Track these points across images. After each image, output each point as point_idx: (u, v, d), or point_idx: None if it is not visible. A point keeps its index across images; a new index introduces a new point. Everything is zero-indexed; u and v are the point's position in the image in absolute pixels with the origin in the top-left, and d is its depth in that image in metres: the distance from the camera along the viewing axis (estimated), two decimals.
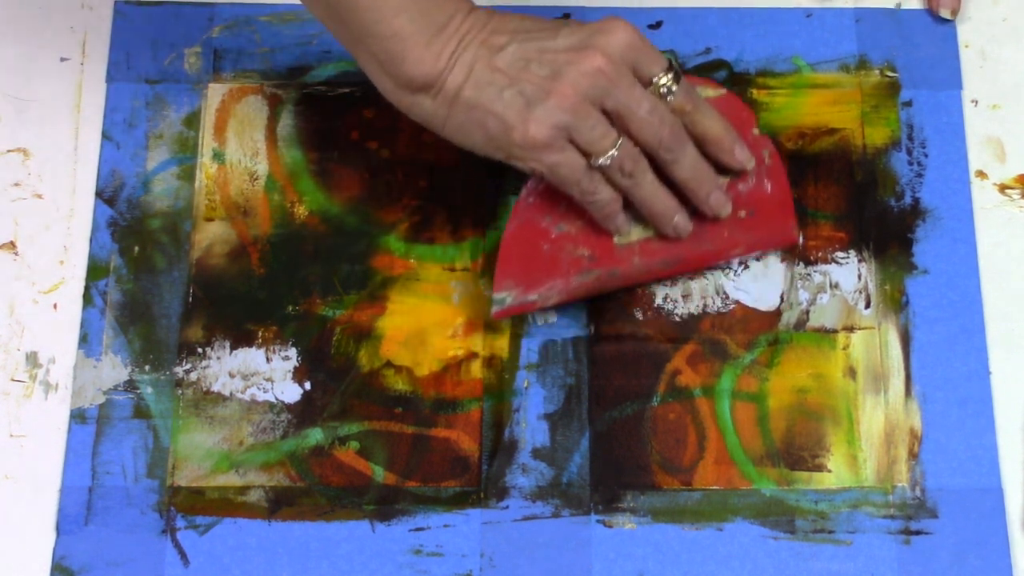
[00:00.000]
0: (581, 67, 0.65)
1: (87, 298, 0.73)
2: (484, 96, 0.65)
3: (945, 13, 0.78)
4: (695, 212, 0.71)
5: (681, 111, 0.68)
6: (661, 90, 0.67)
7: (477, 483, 0.70)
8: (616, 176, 0.68)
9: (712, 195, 0.70)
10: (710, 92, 0.73)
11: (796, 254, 0.74)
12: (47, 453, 0.70)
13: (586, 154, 0.67)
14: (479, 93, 0.65)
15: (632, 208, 0.71)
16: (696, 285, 0.74)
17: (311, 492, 0.70)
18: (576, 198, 0.69)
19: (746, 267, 0.74)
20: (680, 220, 0.70)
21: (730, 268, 0.74)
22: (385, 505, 0.70)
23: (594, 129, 0.66)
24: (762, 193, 0.72)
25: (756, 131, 0.73)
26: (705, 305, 0.73)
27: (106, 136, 0.76)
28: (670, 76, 0.67)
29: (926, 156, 0.76)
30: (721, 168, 0.71)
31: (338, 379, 0.72)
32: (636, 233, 0.72)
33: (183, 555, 0.69)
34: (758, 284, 0.74)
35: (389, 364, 0.72)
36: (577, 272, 0.71)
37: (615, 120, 0.67)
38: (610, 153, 0.67)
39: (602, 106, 0.66)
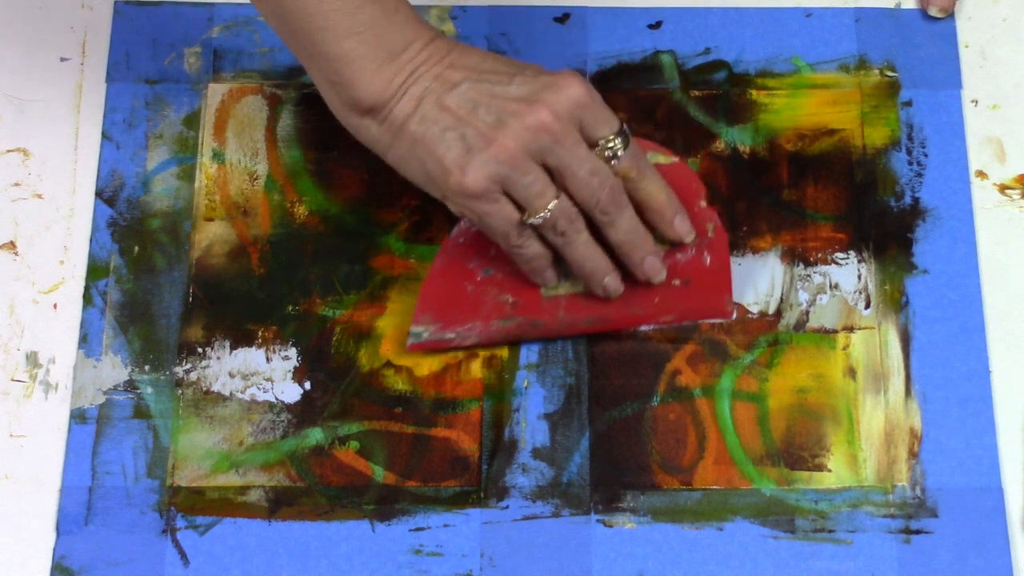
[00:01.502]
0: (526, 120, 0.64)
1: (87, 298, 0.73)
2: (427, 133, 0.64)
3: (935, 12, 0.78)
4: (628, 274, 0.70)
5: (625, 176, 0.67)
6: (607, 152, 0.66)
7: (477, 483, 0.70)
8: (548, 233, 0.67)
9: (647, 260, 0.69)
10: (660, 159, 0.71)
11: (796, 255, 0.74)
12: (47, 453, 0.70)
13: (521, 209, 0.66)
14: (423, 129, 0.65)
15: (563, 261, 0.69)
16: None
17: (311, 492, 0.70)
18: (503, 248, 0.68)
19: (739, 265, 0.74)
20: (611, 281, 0.69)
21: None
22: (385, 505, 0.70)
23: (531, 186, 0.65)
24: (700, 265, 0.71)
25: (703, 203, 0.71)
26: None
27: (106, 136, 0.76)
28: (619, 140, 0.66)
29: (926, 156, 0.76)
30: (660, 237, 0.70)
31: (338, 379, 0.72)
32: (564, 288, 0.71)
33: (183, 555, 0.69)
34: (758, 285, 0.74)
35: (389, 364, 0.72)
36: (498, 317, 0.71)
37: (555, 177, 0.66)
38: (544, 212, 0.66)
39: (543, 162, 0.65)
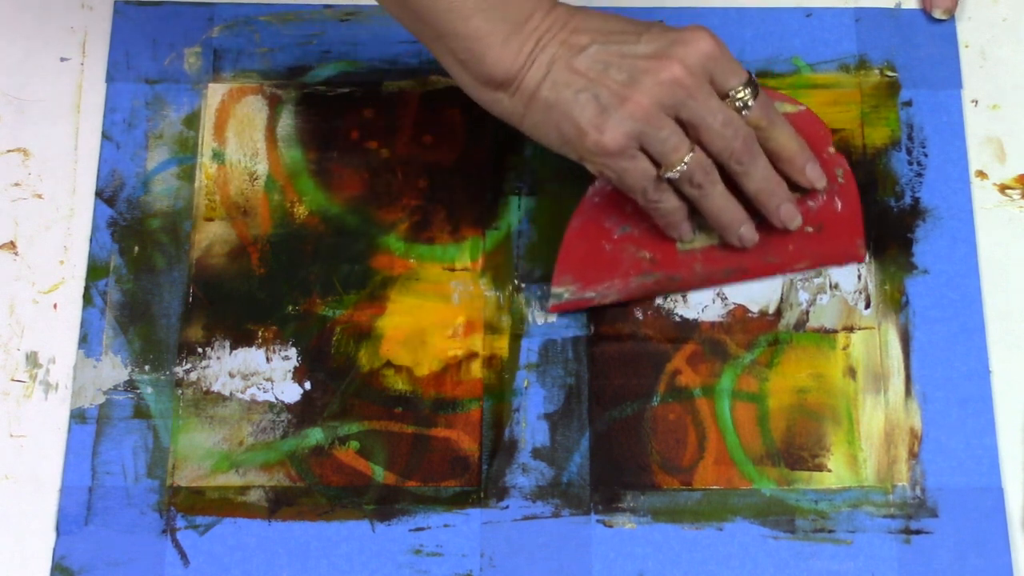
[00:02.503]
0: (659, 76, 0.65)
1: (87, 298, 0.73)
2: (560, 97, 0.65)
3: (939, 13, 0.78)
4: (761, 222, 0.71)
5: (756, 125, 0.68)
6: (737, 103, 0.67)
7: (477, 483, 0.70)
8: (684, 187, 0.68)
9: (782, 207, 0.70)
10: (788, 108, 0.72)
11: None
12: (47, 453, 0.70)
13: (656, 164, 0.67)
14: (555, 94, 0.65)
15: (698, 215, 0.70)
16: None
17: (311, 492, 0.70)
18: (640, 204, 0.69)
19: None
20: (746, 231, 0.70)
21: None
22: (385, 505, 0.70)
23: (667, 141, 0.66)
24: (831, 210, 0.72)
25: (832, 150, 0.72)
26: (705, 306, 0.73)
27: (106, 136, 0.76)
28: (748, 90, 0.67)
29: (926, 156, 0.76)
30: (793, 184, 0.71)
31: (338, 379, 0.72)
32: (700, 240, 0.72)
33: (183, 555, 0.69)
34: (758, 285, 0.74)
35: (389, 364, 0.72)
36: (637, 274, 0.71)
37: (688, 130, 0.66)
38: (680, 166, 0.66)
39: (676, 116, 0.66)
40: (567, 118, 0.65)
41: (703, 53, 0.65)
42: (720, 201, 0.69)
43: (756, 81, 0.68)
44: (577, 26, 0.66)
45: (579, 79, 0.65)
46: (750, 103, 0.67)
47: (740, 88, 0.67)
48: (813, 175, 0.70)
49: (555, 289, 0.72)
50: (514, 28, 0.65)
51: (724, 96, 0.67)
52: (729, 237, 0.71)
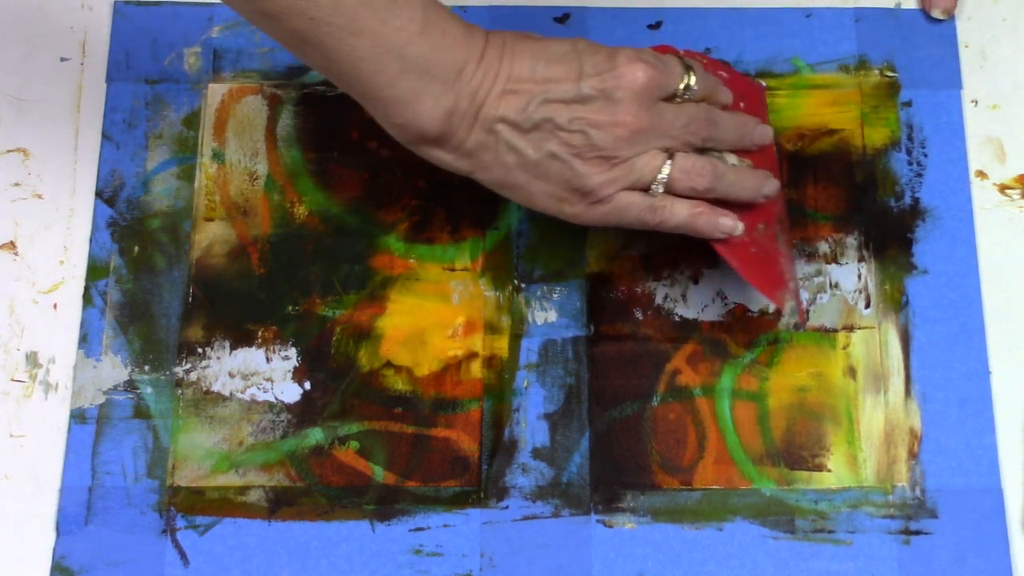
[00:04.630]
0: (615, 132, 0.65)
1: (87, 298, 0.73)
2: (522, 166, 0.66)
3: (937, 13, 0.78)
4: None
5: (704, 98, 0.68)
6: (685, 95, 0.67)
7: (477, 483, 0.70)
8: (686, 192, 0.68)
9: (756, 131, 0.70)
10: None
11: (797, 254, 0.74)
12: (47, 453, 0.70)
13: (643, 188, 0.67)
14: (514, 159, 0.65)
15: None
16: (696, 288, 0.74)
17: (311, 492, 0.70)
18: (655, 228, 0.68)
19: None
20: (768, 187, 0.70)
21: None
22: (385, 505, 0.70)
23: (642, 170, 0.66)
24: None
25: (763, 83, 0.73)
26: (705, 306, 0.73)
27: (106, 136, 0.76)
28: (687, 77, 0.67)
29: (926, 156, 0.76)
30: None
31: (338, 379, 0.72)
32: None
33: (183, 555, 0.69)
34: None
35: (389, 364, 0.72)
36: (774, 241, 0.71)
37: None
38: (661, 177, 0.67)
39: (641, 150, 0.66)
40: (542, 192, 0.66)
41: (643, 86, 0.65)
42: (727, 187, 0.68)
43: (685, 59, 0.68)
44: (509, 76, 0.64)
45: (530, 147, 0.65)
46: (693, 85, 0.67)
47: (681, 81, 0.67)
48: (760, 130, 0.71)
49: (787, 307, 0.72)
50: (445, 87, 0.63)
51: (672, 98, 0.67)
52: (758, 199, 0.70)
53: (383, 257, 0.74)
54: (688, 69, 0.68)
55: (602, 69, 0.65)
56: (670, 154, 0.67)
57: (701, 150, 0.68)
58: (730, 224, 0.69)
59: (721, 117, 0.69)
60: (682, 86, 0.67)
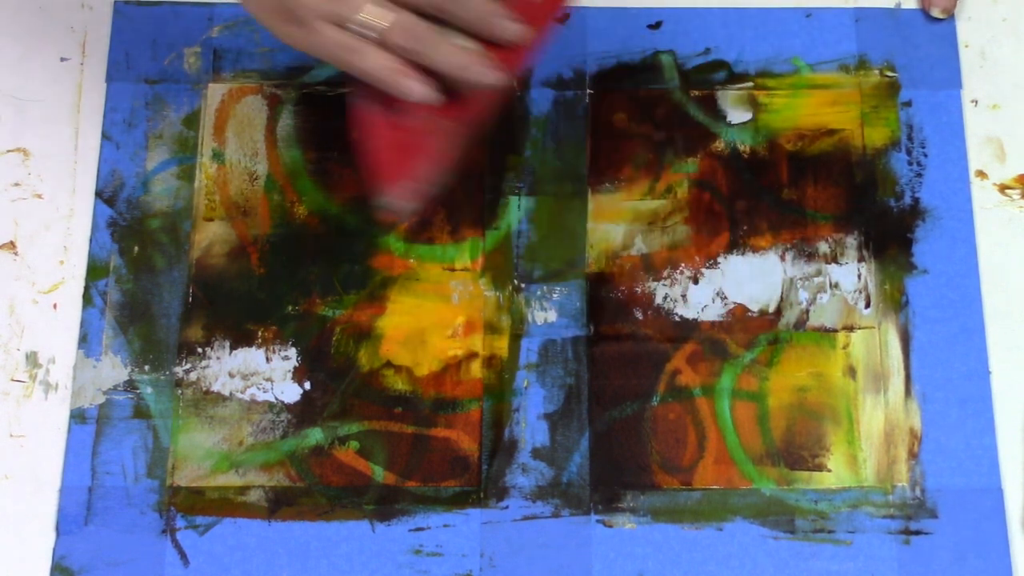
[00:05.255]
0: None
1: (87, 298, 0.73)
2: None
3: (936, 12, 0.78)
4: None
5: None
6: None
7: (477, 483, 0.70)
8: (395, 49, 0.64)
9: (504, 23, 0.65)
10: None
11: (796, 254, 0.74)
12: (47, 453, 0.70)
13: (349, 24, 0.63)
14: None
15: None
16: (696, 288, 0.74)
17: (311, 492, 0.70)
18: (354, 74, 0.65)
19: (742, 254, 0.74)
20: (487, 77, 0.65)
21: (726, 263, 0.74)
22: (385, 505, 0.70)
23: (351, 4, 0.63)
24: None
25: None
26: (705, 305, 0.73)
27: (106, 136, 0.76)
28: None
29: (926, 156, 0.76)
30: None
31: (338, 379, 0.72)
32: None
33: (183, 555, 0.69)
34: (758, 285, 0.74)
35: (389, 364, 0.72)
36: (443, 140, 0.66)
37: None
38: (361, 17, 0.63)
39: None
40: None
41: None
42: (437, 57, 0.64)
43: None
44: None
45: None
46: None
47: None
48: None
49: (392, 202, 0.66)
50: None
51: None
52: (467, 81, 0.65)
53: (383, 257, 0.74)
54: None
55: None
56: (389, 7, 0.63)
57: (439, 22, 0.64)
58: (418, 89, 0.64)
59: None
60: None
